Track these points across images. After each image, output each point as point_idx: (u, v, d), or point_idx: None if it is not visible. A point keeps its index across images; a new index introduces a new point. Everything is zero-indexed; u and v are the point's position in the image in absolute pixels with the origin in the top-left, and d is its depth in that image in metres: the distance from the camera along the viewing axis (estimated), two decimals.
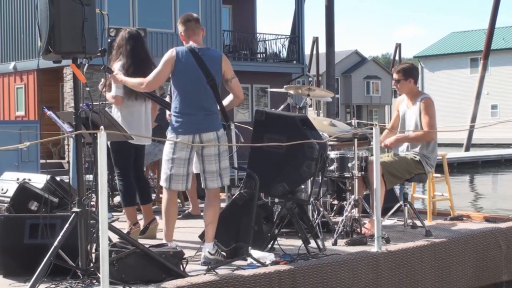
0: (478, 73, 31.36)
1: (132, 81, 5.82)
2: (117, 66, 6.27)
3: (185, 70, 5.45)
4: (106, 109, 5.83)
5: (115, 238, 5.00)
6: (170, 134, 5.49)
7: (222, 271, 5.00)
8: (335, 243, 6.06)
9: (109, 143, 6.31)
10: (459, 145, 32.55)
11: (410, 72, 6.76)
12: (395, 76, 6.84)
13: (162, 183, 5.55)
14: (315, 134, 5.93)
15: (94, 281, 4.59)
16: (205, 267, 5.06)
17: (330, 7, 26.65)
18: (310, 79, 35.48)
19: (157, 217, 6.62)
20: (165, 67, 5.47)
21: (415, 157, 6.68)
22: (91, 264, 4.70)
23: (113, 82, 6.16)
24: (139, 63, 6.29)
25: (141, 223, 6.58)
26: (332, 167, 6.61)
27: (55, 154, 22.61)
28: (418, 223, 6.82)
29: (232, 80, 5.65)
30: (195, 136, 5.42)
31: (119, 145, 6.32)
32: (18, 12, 23.78)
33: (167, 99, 7.02)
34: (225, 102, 5.73)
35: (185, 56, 5.46)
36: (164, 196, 5.57)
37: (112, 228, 4.79)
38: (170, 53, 5.50)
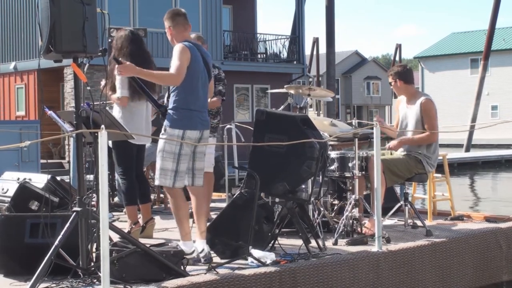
0: (478, 74, 31.38)
1: (156, 73, 5.47)
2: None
3: (196, 66, 5.40)
4: (107, 108, 5.82)
5: (115, 238, 5.00)
6: (173, 130, 5.34)
7: (223, 270, 5.00)
8: (335, 243, 6.06)
9: (110, 142, 6.31)
10: (459, 146, 32.57)
11: (397, 74, 6.85)
12: (388, 79, 7.00)
13: (164, 182, 5.36)
14: (316, 133, 5.93)
15: (95, 280, 4.59)
16: (206, 267, 5.06)
17: (330, 7, 26.64)
18: (310, 79, 35.46)
19: (157, 217, 6.61)
20: (185, 62, 5.29)
21: (416, 156, 6.69)
22: (92, 264, 4.71)
23: (121, 74, 5.53)
24: (142, 62, 6.29)
25: (141, 222, 6.58)
26: (332, 167, 6.61)
27: (55, 154, 22.61)
28: (419, 223, 6.82)
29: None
30: (201, 132, 5.43)
31: (121, 144, 6.32)
32: (18, 12, 23.78)
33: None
34: None
35: (194, 52, 5.40)
36: (173, 197, 5.40)
37: (112, 227, 4.78)
38: (183, 48, 5.33)
